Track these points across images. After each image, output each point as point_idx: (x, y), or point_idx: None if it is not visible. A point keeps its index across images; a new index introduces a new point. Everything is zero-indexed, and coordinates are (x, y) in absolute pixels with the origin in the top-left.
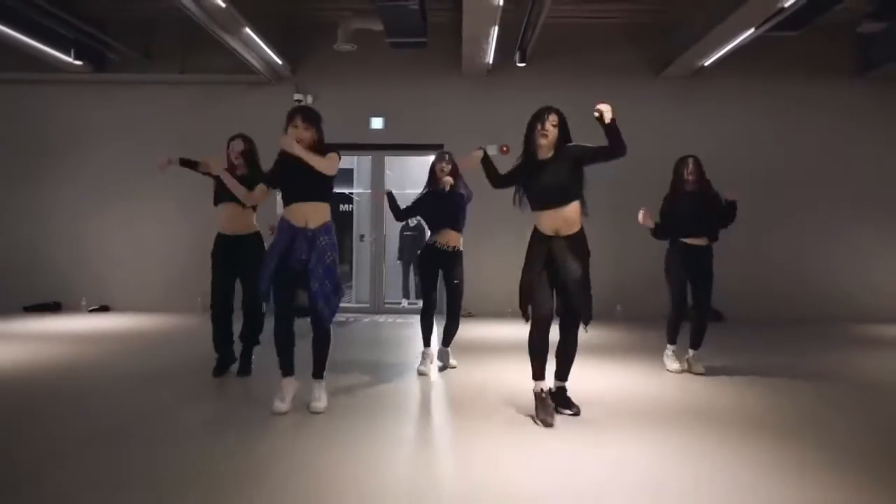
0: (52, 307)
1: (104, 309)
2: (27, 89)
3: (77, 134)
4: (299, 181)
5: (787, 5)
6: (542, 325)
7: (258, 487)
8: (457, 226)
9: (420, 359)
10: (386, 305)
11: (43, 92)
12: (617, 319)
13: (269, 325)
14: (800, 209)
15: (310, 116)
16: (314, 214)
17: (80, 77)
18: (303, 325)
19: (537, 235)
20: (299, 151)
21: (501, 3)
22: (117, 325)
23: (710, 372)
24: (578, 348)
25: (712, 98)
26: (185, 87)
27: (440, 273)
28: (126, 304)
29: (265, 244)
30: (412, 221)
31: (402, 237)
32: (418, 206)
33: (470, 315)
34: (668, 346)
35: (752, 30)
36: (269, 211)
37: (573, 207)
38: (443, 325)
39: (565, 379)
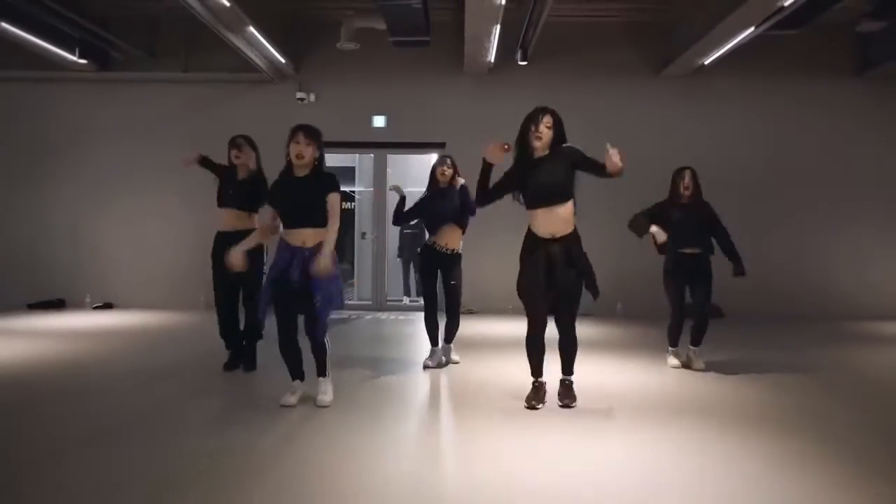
0: (56, 304)
1: (108, 306)
2: (31, 87)
3: (81, 132)
4: (300, 207)
5: (786, 4)
6: (537, 325)
7: (261, 484)
8: (458, 221)
9: (428, 354)
10: (388, 303)
11: (47, 90)
12: (617, 317)
13: (269, 324)
14: (799, 207)
15: (311, 133)
16: (313, 237)
17: (84, 75)
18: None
19: (532, 238)
20: (328, 253)
21: (503, 2)
22: (121, 322)
23: (710, 367)
24: (581, 346)
25: (712, 97)
26: (189, 86)
27: (439, 273)
28: (130, 302)
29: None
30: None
31: (401, 235)
32: (418, 209)
33: (471, 312)
34: (670, 348)
35: (751, 29)
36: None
37: (568, 207)
38: (443, 324)
39: (570, 372)
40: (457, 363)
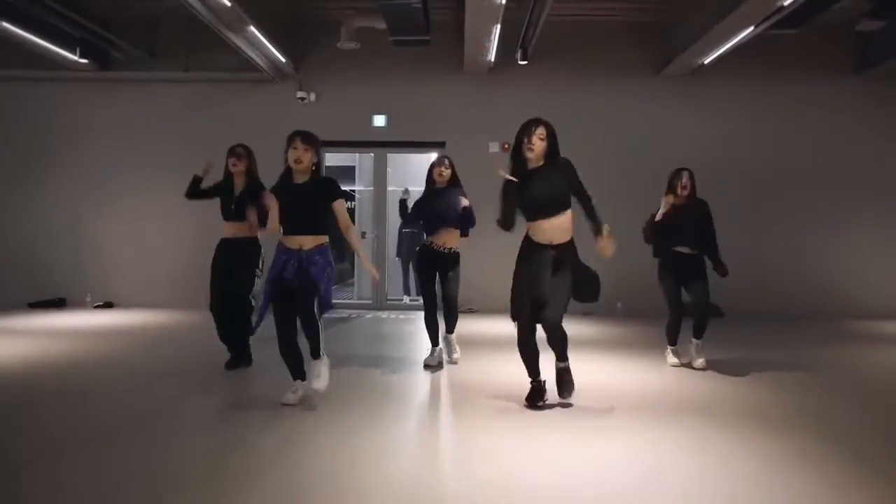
0: (57, 304)
1: (109, 305)
2: (31, 87)
3: (81, 131)
4: (299, 214)
5: (786, 3)
6: (524, 329)
7: (261, 484)
8: (455, 224)
9: (429, 353)
10: (388, 302)
11: (47, 90)
12: (617, 316)
13: (269, 324)
14: (799, 207)
15: (309, 139)
16: (310, 241)
17: (85, 75)
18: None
19: (529, 244)
20: (364, 257)
21: (503, 1)
22: (121, 321)
23: (710, 367)
24: (581, 345)
25: (712, 96)
26: (190, 86)
27: (437, 273)
28: (130, 301)
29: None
30: (407, 200)
31: (400, 235)
32: (418, 209)
33: (471, 311)
34: (669, 346)
35: (751, 28)
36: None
37: (567, 216)
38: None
39: (565, 359)
40: (455, 363)
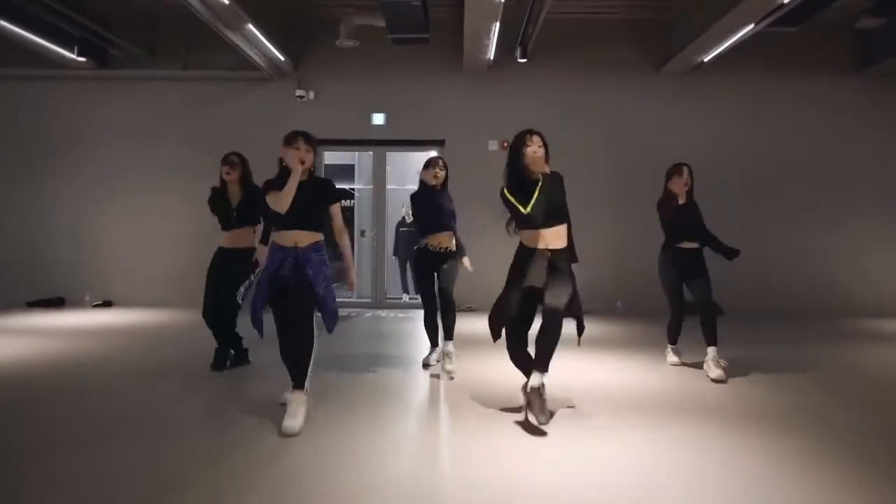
0: (56, 302)
1: (107, 304)
2: (30, 86)
3: (80, 130)
4: (297, 211)
5: (786, 1)
6: (517, 335)
7: (260, 484)
8: (448, 226)
9: (428, 352)
10: (387, 300)
11: (46, 88)
12: (617, 315)
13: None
14: (799, 205)
15: (311, 140)
16: (305, 238)
17: (84, 74)
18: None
19: (523, 251)
20: (350, 265)
21: None
22: (120, 320)
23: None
24: (581, 344)
25: (712, 94)
26: (189, 84)
27: (434, 274)
28: (129, 300)
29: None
30: (408, 218)
31: (397, 234)
32: (417, 206)
33: (471, 309)
34: (669, 345)
35: (751, 26)
36: None
37: (564, 228)
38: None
39: (545, 369)
40: (452, 378)
